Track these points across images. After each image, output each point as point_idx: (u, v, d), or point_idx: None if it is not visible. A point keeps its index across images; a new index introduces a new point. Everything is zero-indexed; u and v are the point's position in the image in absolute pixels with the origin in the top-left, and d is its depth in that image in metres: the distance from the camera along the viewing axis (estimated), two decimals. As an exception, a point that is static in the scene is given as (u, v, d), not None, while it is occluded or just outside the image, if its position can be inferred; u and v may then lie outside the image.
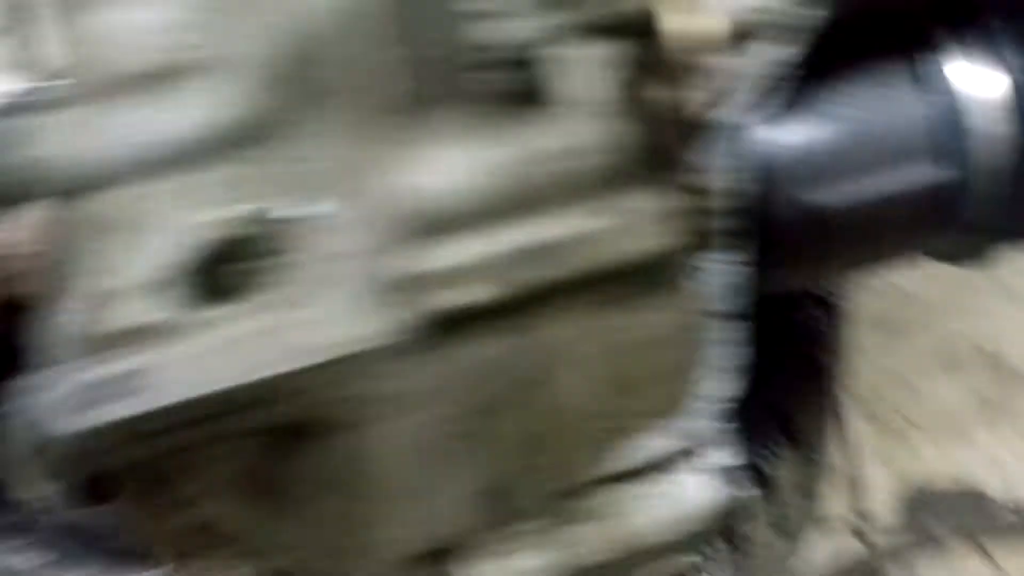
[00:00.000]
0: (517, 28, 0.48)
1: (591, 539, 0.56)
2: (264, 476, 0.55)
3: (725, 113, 0.55)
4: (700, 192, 0.51)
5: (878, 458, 1.45)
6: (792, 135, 0.67)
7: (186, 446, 0.53)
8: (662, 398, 0.55)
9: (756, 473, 0.98)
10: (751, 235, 0.66)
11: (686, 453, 0.57)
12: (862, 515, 1.42)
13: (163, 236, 0.56)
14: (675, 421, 0.57)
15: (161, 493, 0.56)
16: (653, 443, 0.56)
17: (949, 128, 0.67)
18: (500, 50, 0.48)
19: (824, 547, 1.34)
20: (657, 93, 0.46)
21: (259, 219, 0.55)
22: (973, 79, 0.67)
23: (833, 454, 1.28)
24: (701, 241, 0.52)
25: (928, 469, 1.44)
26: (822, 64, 0.68)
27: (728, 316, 0.56)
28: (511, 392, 0.52)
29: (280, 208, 0.55)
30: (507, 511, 0.55)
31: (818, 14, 0.58)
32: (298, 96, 0.53)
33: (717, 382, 0.57)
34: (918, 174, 0.67)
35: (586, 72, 0.48)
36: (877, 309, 1.53)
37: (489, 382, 0.52)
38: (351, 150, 0.50)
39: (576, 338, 0.52)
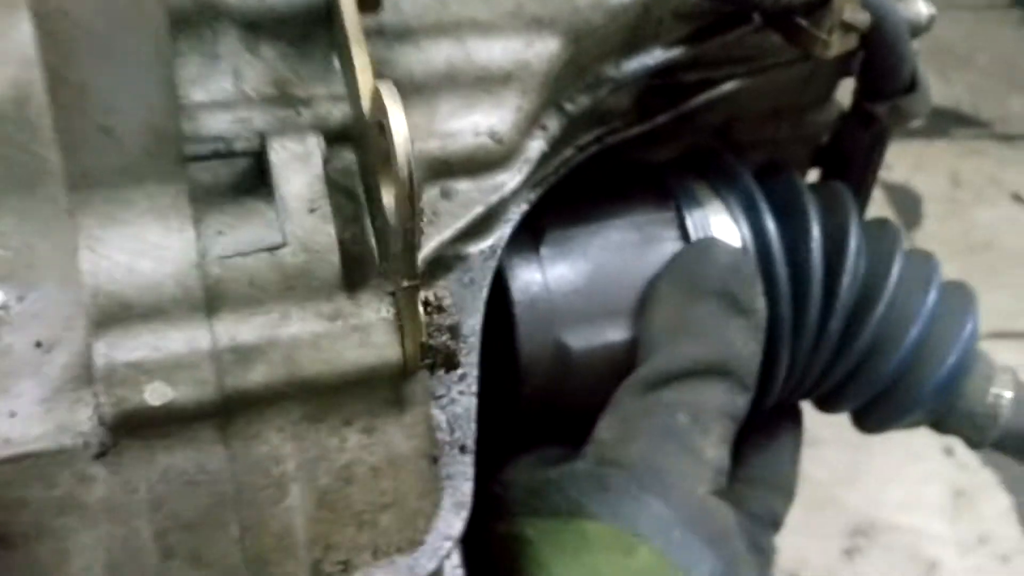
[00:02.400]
0: (241, 120, 0.47)
1: None
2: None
3: (462, 237, 0.55)
4: (436, 308, 0.49)
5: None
6: (551, 272, 0.67)
7: None
8: (391, 531, 0.52)
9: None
10: (497, 364, 0.65)
11: (420, 592, 0.52)
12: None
13: None
14: (406, 559, 0.52)
15: None
16: (379, 581, 0.51)
17: None
18: (220, 141, 0.46)
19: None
20: (388, 199, 0.44)
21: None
22: (727, 234, 0.70)
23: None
24: (434, 360, 0.49)
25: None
26: (582, 206, 0.69)
27: (463, 448, 0.54)
28: (221, 509, 0.47)
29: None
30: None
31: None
32: (1, 173, 0.49)
33: (453, 519, 0.54)
34: None
35: (312, 171, 0.46)
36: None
37: (192, 496, 0.47)
38: (63, 235, 0.46)
39: (292, 455, 0.48)
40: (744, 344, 0.62)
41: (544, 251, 0.68)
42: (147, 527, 0.47)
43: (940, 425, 0.77)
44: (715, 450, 0.60)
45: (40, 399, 0.47)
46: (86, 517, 0.47)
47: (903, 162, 2.08)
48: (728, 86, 0.74)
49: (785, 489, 0.72)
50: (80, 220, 0.44)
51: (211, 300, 0.45)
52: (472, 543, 0.57)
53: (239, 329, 0.46)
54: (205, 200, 0.46)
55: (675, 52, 0.66)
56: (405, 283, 0.46)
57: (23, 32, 0.52)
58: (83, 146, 0.42)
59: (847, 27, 0.64)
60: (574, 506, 0.58)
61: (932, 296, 0.71)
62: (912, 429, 0.79)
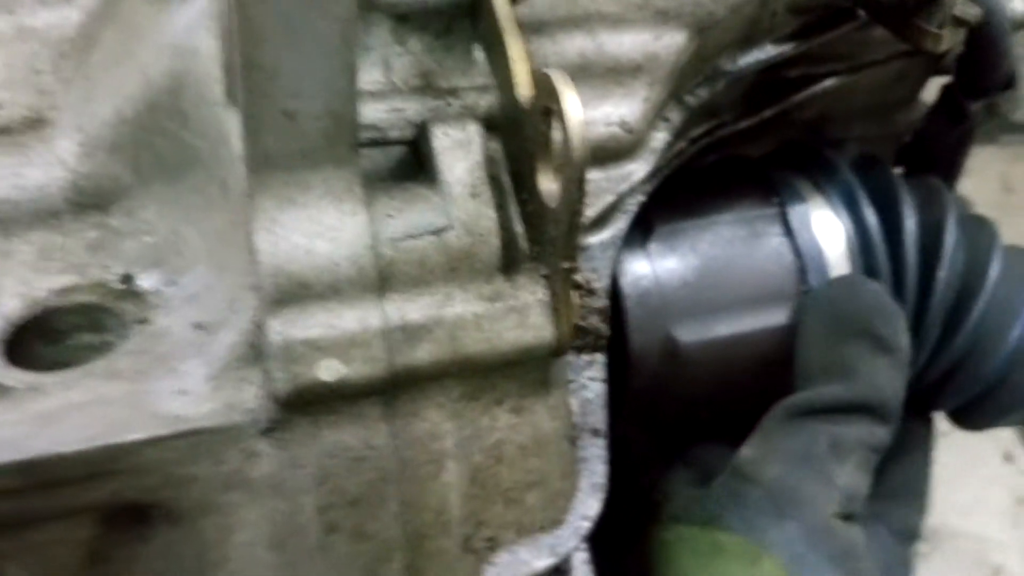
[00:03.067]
0: (395, 110, 0.48)
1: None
2: (94, 569, 0.49)
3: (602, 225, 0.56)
4: (587, 291, 0.51)
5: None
6: (660, 266, 0.68)
7: (14, 522, 0.47)
8: (536, 509, 0.53)
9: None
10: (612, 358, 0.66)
11: (556, 573, 0.53)
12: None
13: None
14: (548, 537, 0.53)
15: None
16: (523, 559, 0.52)
17: (812, 273, 0.70)
18: (376, 129, 0.47)
19: None
20: (547, 185, 0.45)
21: (111, 287, 0.52)
22: (829, 228, 0.71)
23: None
24: (584, 341, 0.51)
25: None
26: (689, 200, 0.70)
27: (595, 431, 0.55)
28: (384, 485, 0.49)
29: (140, 277, 0.52)
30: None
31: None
32: (151, 161, 0.51)
33: (591, 501, 0.55)
34: (778, 316, 0.69)
35: (474, 156, 0.48)
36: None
37: (357, 472, 0.48)
38: (210, 221, 0.48)
39: (450, 433, 0.49)
40: (889, 382, 0.65)
41: (653, 245, 0.69)
42: (311, 503, 0.48)
43: None
44: (849, 477, 0.63)
45: (207, 378, 0.48)
46: (251, 493, 0.48)
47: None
48: (829, 82, 0.75)
49: (919, 501, 0.74)
50: (259, 202, 0.45)
51: (383, 280, 0.46)
52: (627, 542, 0.61)
53: (407, 308, 0.47)
54: (375, 185, 0.48)
55: (785, 47, 0.67)
56: (565, 265, 0.47)
57: (177, 24, 0.54)
58: (267, 129, 0.44)
59: (958, 21, 0.65)
60: (713, 517, 0.63)
61: None
62: (976, 432, 0.80)
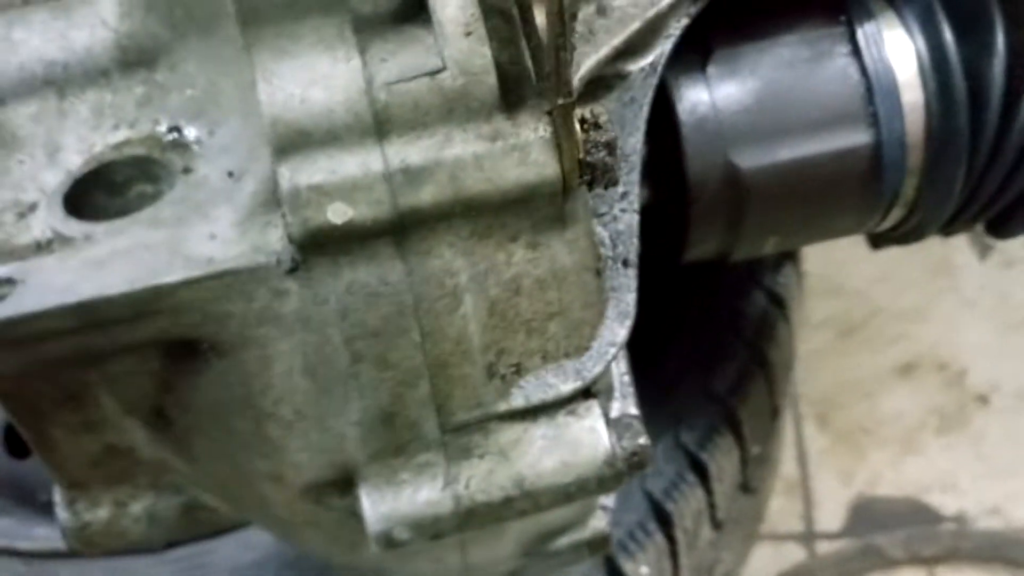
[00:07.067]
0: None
1: (483, 476, 0.55)
2: (165, 399, 0.55)
3: (621, 55, 0.55)
4: (593, 125, 0.51)
5: (829, 465, 1.44)
6: (720, 91, 0.66)
7: (82, 359, 0.52)
8: (559, 337, 0.55)
9: (693, 461, 0.97)
10: (667, 189, 0.66)
11: (584, 397, 0.56)
12: (808, 522, 1.41)
13: (59, 153, 0.56)
14: (573, 363, 0.55)
15: (69, 412, 0.55)
16: (550, 383, 0.55)
17: (880, 94, 0.67)
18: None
19: (767, 552, 1.33)
20: (541, 17, 0.45)
21: (160, 139, 0.55)
22: (901, 47, 0.67)
23: (783, 459, 1.27)
24: (592, 176, 0.51)
25: (879, 479, 1.43)
26: (750, 22, 0.68)
27: (625, 262, 0.56)
28: (402, 318, 0.52)
29: (186, 129, 0.55)
30: (405, 439, 0.55)
31: None
32: (184, 17, 0.53)
33: (617, 328, 0.56)
34: (842, 140, 0.67)
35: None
36: (839, 313, 1.53)
37: (376, 306, 0.51)
38: (243, 70, 0.49)
39: (464, 269, 0.51)
40: None
41: (711, 70, 0.67)
42: (337, 334, 0.52)
43: None
44: None
45: (235, 222, 0.52)
46: (283, 327, 0.52)
47: None
48: None
49: None
50: (255, 55, 0.47)
51: (380, 125, 0.48)
52: None
53: (407, 151, 0.48)
54: (368, 29, 0.48)
55: None
56: (560, 100, 0.47)
57: None
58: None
59: None
60: None
61: None
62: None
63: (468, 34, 0.48)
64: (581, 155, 0.50)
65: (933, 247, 0.85)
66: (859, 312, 1.52)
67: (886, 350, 1.52)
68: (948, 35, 0.67)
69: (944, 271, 1.55)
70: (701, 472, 0.95)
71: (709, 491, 0.97)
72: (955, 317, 1.55)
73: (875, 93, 0.67)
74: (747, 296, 1.01)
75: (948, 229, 0.77)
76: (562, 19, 0.44)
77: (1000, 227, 0.77)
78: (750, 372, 0.99)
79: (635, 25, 0.57)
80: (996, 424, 1.46)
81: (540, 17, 0.47)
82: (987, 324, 1.54)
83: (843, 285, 1.51)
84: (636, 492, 0.94)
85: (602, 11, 0.56)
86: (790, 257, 1.05)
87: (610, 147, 0.51)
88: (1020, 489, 1.39)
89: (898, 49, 0.68)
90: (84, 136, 0.58)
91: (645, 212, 0.63)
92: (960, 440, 1.45)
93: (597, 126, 0.51)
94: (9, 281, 0.50)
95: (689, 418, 0.96)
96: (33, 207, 0.57)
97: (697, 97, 0.67)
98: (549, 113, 0.50)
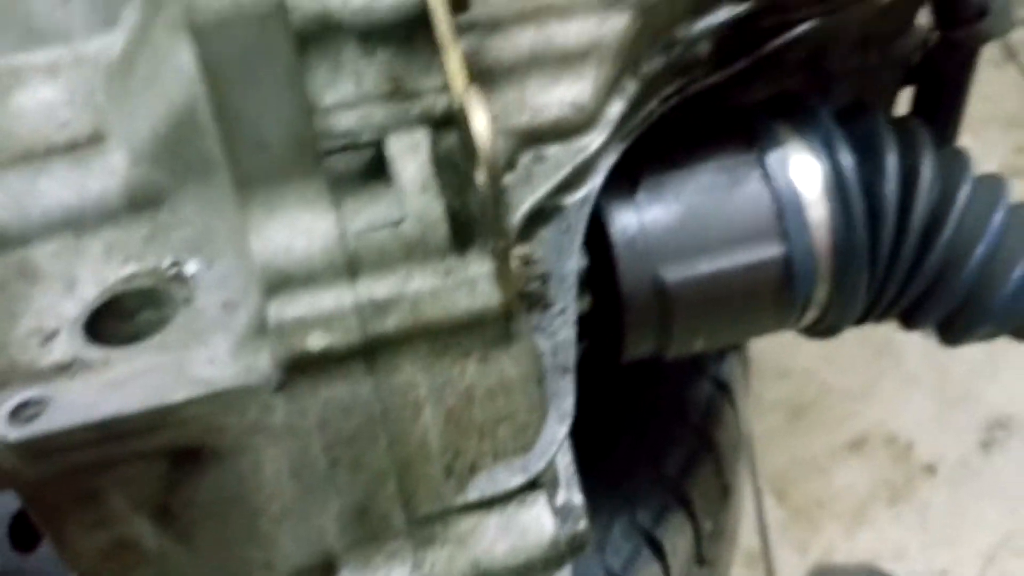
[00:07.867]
0: (364, 117, 0.58)
1: (446, 561, 0.64)
2: (170, 498, 0.63)
3: (557, 192, 0.65)
4: (528, 262, 0.61)
5: (789, 537, 1.52)
6: (648, 214, 0.77)
7: (99, 466, 0.61)
8: (507, 439, 0.64)
9: (649, 538, 1.06)
10: (601, 304, 0.76)
11: (531, 488, 0.65)
12: (771, 593, 1.48)
13: (77, 285, 0.65)
14: (521, 460, 0.65)
15: (84, 511, 0.64)
16: (501, 478, 0.64)
17: (789, 213, 0.77)
18: (349, 136, 0.58)
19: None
20: (478, 175, 0.55)
21: (164, 273, 0.65)
22: (807, 170, 0.78)
23: (744, 531, 1.35)
24: (530, 303, 0.61)
25: (835, 550, 1.51)
26: (673, 152, 0.78)
27: (564, 369, 0.65)
28: (372, 426, 0.61)
29: (186, 264, 0.65)
30: (377, 530, 0.63)
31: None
32: (183, 167, 0.63)
33: (558, 427, 0.66)
34: (757, 254, 0.77)
35: (421, 158, 0.58)
36: (790, 394, 1.63)
37: (349, 417, 0.60)
38: (235, 215, 0.59)
39: (423, 382, 0.60)
40: None
41: (640, 196, 0.77)
42: (317, 442, 0.61)
43: (1021, 333, 0.84)
44: None
45: (230, 348, 0.61)
46: (271, 436, 0.61)
47: None
48: (804, 27, 0.80)
49: None
50: (247, 212, 0.57)
51: (351, 267, 0.58)
52: None
53: (375, 288, 0.58)
54: (341, 186, 0.59)
55: (744, 6, 0.73)
56: (501, 244, 0.58)
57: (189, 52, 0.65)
58: (243, 156, 0.55)
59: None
60: None
61: (999, 216, 0.77)
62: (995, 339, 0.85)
63: (424, 191, 0.58)
64: (520, 286, 0.60)
65: (876, 327, 0.96)
66: (808, 392, 1.62)
67: (836, 427, 1.62)
68: (847, 159, 0.78)
69: (887, 350, 1.65)
70: (657, 548, 1.03)
71: (665, 565, 1.05)
72: (900, 393, 1.65)
73: (785, 212, 0.77)
74: (693, 385, 1.10)
75: (863, 322, 0.87)
76: (496, 181, 0.54)
77: (909, 321, 0.87)
78: (698, 455, 1.09)
79: (567, 169, 0.67)
80: (942, 493, 1.55)
81: (478, 176, 0.58)
82: (930, 399, 1.64)
83: (791, 367, 1.61)
84: (597, 568, 1.02)
85: (538, 160, 0.66)
86: (733, 346, 1.15)
87: (543, 278, 0.61)
88: (965, 555, 1.47)
89: (804, 171, 0.78)
90: (98, 270, 0.68)
91: (587, 319, 0.73)
92: (908, 510, 1.54)
93: (531, 262, 0.61)
94: (40, 401, 0.59)
95: (643, 499, 1.05)
96: (54, 333, 0.66)
97: (628, 220, 0.77)
98: (491, 252, 0.60)
